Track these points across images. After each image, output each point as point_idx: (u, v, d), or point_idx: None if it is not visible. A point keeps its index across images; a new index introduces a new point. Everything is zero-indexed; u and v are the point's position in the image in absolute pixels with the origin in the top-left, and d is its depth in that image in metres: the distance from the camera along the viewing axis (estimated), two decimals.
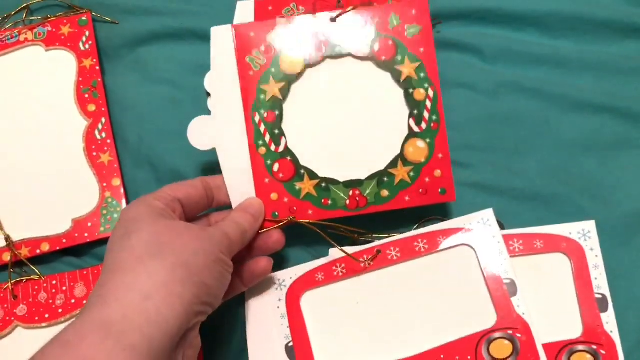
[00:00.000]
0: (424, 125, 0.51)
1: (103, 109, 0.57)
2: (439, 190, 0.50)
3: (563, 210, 0.53)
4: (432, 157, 0.51)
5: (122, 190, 0.55)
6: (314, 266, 0.51)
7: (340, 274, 0.50)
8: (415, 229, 0.52)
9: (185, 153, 0.55)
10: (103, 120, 0.56)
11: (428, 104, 0.51)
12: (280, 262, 0.53)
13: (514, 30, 0.59)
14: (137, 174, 0.56)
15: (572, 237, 0.49)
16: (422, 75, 0.51)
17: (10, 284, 0.51)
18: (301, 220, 0.50)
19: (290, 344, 0.49)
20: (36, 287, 0.51)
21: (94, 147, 0.56)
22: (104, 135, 0.56)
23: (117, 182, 0.55)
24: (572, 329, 0.48)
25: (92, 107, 0.57)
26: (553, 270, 0.49)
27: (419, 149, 0.51)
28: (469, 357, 0.47)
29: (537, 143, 0.56)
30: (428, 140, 0.51)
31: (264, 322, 0.50)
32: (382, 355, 0.48)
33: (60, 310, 0.50)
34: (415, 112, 0.51)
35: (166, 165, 0.56)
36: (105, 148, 0.56)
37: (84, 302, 0.50)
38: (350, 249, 0.50)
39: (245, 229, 0.46)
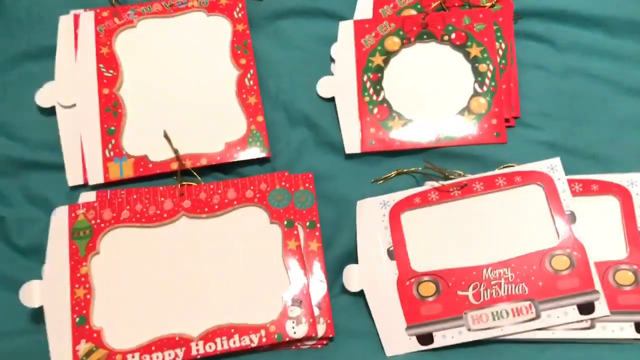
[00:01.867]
0: (485, 88, 0.69)
1: (251, 63, 0.72)
2: (494, 134, 0.65)
3: (614, 169, 0.66)
4: (490, 110, 0.68)
5: (264, 125, 0.69)
6: (413, 192, 0.65)
7: (434, 199, 0.64)
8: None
9: (312, 101, 0.71)
10: (251, 71, 0.72)
11: (489, 74, 0.70)
12: (388, 191, 0.66)
13: (581, 28, 0.74)
14: (274, 115, 0.72)
15: (622, 184, 0.62)
16: (485, 55, 0.70)
17: (178, 185, 0.66)
18: (407, 170, 0.65)
19: (391, 248, 0.63)
20: (197, 189, 0.66)
21: (243, 90, 0.71)
22: (251, 82, 0.71)
23: (260, 118, 0.70)
24: (618, 252, 0.60)
25: (243, 61, 0.72)
26: (605, 207, 0.62)
27: (480, 104, 0.68)
28: (534, 267, 0.60)
29: (596, 116, 0.69)
30: (488, 99, 0.68)
31: (371, 231, 0.64)
32: (466, 260, 0.62)
33: (216, 207, 0.65)
34: (479, 79, 0.70)
35: (297, 109, 0.72)
36: (252, 92, 0.71)
37: (235, 202, 0.65)
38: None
39: None
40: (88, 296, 0.60)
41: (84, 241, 0.62)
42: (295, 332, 0.59)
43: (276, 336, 0.59)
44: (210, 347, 0.58)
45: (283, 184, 0.65)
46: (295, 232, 0.63)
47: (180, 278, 0.62)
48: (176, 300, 0.61)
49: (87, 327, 0.59)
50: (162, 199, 0.64)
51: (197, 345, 0.58)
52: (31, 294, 0.60)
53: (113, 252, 0.63)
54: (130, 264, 0.63)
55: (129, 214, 0.64)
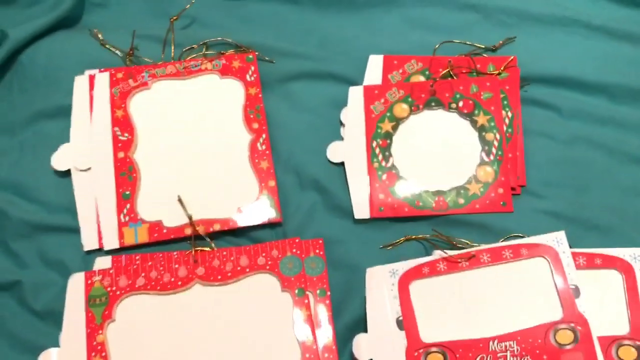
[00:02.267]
0: (491, 157, 0.71)
1: (264, 127, 0.74)
2: (501, 203, 0.67)
3: (618, 239, 0.68)
4: (497, 179, 0.70)
5: (275, 190, 0.71)
6: (422, 262, 0.67)
7: (442, 269, 0.66)
8: (502, 241, 0.68)
9: (322, 165, 0.73)
10: (263, 135, 0.74)
11: (495, 143, 0.72)
12: (396, 257, 0.68)
13: (586, 94, 0.76)
14: (285, 179, 0.73)
15: (625, 258, 0.64)
16: (492, 124, 0.72)
17: (192, 251, 0.68)
18: (415, 237, 0.67)
19: (400, 318, 0.65)
20: (210, 255, 0.68)
21: (256, 155, 0.73)
22: (264, 147, 0.73)
23: (272, 183, 0.72)
24: (621, 327, 0.62)
25: (255, 125, 0.74)
26: (608, 282, 0.64)
27: (487, 173, 0.70)
28: (539, 340, 0.62)
29: (601, 185, 0.71)
30: (494, 167, 0.70)
31: (380, 300, 0.66)
32: (473, 331, 0.63)
33: (229, 274, 0.67)
34: (486, 148, 0.72)
35: (307, 174, 0.73)
36: (264, 157, 0.73)
37: (247, 269, 0.66)
38: (451, 252, 0.66)
39: None
40: None
41: (100, 309, 0.64)
42: None
43: None
44: None
45: (294, 250, 0.67)
46: (306, 300, 0.65)
47: (194, 346, 0.63)
48: None
49: None
50: (177, 266, 0.66)
51: None
52: None
53: (128, 320, 0.64)
54: (145, 331, 0.64)
55: (144, 281, 0.65)
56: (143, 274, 0.66)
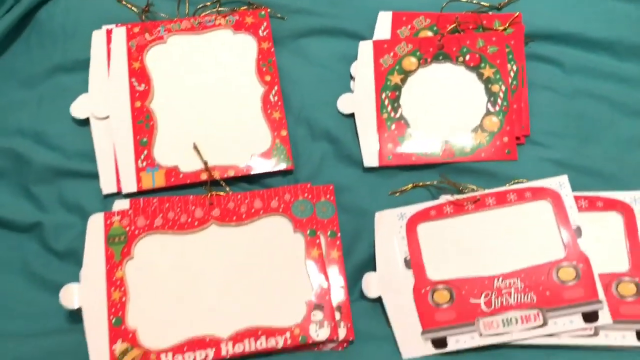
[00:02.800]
0: (497, 108, 0.73)
1: (276, 80, 0.76)
2: (506, 151, 0.70)
3: (617, 186, 0.70)
4: (502, 128, 0.72)
5: (287, 139, 0.73)
6: (429, 205, 0.69)
7: (449, 212, 0.69)
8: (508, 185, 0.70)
9: (333, 117, 0.75)
10: (275, 87, 0.76)
11: (501, 94, 0.74)
12: (404, 203, 0.71)
13: (589, 51, 0.78)
14: (296, 129, 0.76)
15: (625, 201, 0.67)
16: (497, 76, 0.74)
17: (208, 194, 0.70)
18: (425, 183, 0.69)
19: (408, 257, 0.67)
20: (226, 199, 0.70)
21: (268, 106, 0.75)
22: (276, 98, 0.76)
23: (284, 132, 0.74)
24: (621, 265, 0.65)
25: (267, 78, 0.76)
26: (609, 223, 0.66)
27: (493, 122, 0.73)
28: (542, 277, 0.64)
29: (602, 136, 0.74)
30: (500, 117, 0.72)
31: (389, 241, 0.68)
32: (478, 270, 0.66)
33: (243, 216, 0.69)
34: (492, 99, 0.74)
35: (318, 125, 0.76)
36: (277, 108, 0.75)
37: (261, 212, 0.69)
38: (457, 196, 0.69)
39: None
40: (123, 299, 0.64)
41: (119, 247, 0.66)
42: (317, 335, 0.63)
43: (300, 338, 0.63)
44: (238, 347, 0.62)
45: (306, 195, 0.69)
46: (318, 240, 0.67)
47: (210, 282, 0.66)
48: (206, 303, 0.65)
49: (123, 327, 0.63)
50: (193, 207, 0.68)
51: (226, 345, 0.62)
52: (70, 296, 0.64)
53: (146, 258, 0.67)
54: (162, 268, 0.66)
55: (161, 221, 0.68)
56: (161, 215, 0.68)
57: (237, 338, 0.63)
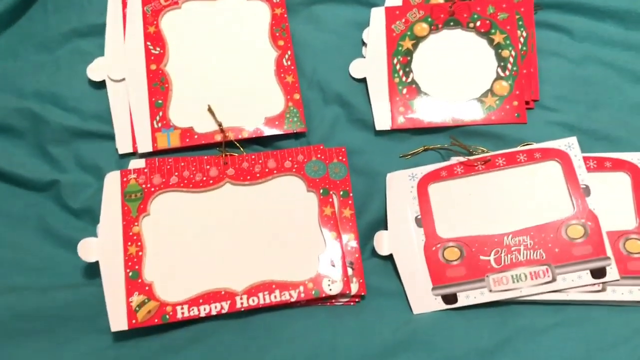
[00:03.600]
0: (507, 73, 0.75)
1: (289, 45, 0.77)
2: (515, 115, 0.71)
3: (625, 148, 0.71)
4: (512, 93, 0.73)
5: (300, 102, 0.75)
6: (440, 166, 0.70)
7: (459, 172, 0.70)
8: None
9: (345, 81, 0.76)
10: (289, 52, 0.77)
11: (511, 59, 0.75)
12: (415, 166, 0.72)
13: (598, 20, 0.79)
14: (309, 94, 0.77)
15: (633, 162, 0.68)
16: (507, 42, 0.75)
17: (223, 154, 0.71)
18: (436, 146, 0.70)
19: (419, 216, 0.69)
20: (240, 159, 0.71)
21: (281, 70, 0.76)
22: (289, 62, 0.77)
23: (297, 96, 0.75)
24: (629, 223, 0.66)
25: (281, 42, 0.78)
26: (617, 183, 0.67)
27: (503, 87, 0.74)
28: (552, 235, 0.66)
29: (610, 101, 0.75)
30: (509, 82, 0.73)
31: (400, 201, 0.70)
32: (488, 228, 0.67)
33: (257, 175, 0.70)
34: (502, 64, 0.75)
35: (331, 89, 0.77)
36: (290, 72, 0.76)
37: (274, 171, 0.70)
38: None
39: None
40: (140, 253, 0.65)
41: (135, 203, 0.67)
42: (330, 289, 0.64)
43: (313, 292, 0.64)
44: (253, 300, 0.64)
45: (319, 156, 0.70)
46: (330, 199, 0.68)
47: (225, 238, 0.67)
48: (222, 258, 0.66)
49: (139, 280, 0.64)
50: (208, 166, 0.70)
51: (241, 299, 0.64)
52: (88, 250, 0.65)
53: (162, 214, 0.68)
54: (178, 225, 0.68)
55: (177, 179, 0.69)
56: (176, 173, 0.69)
57: (251, 291, 0.64)
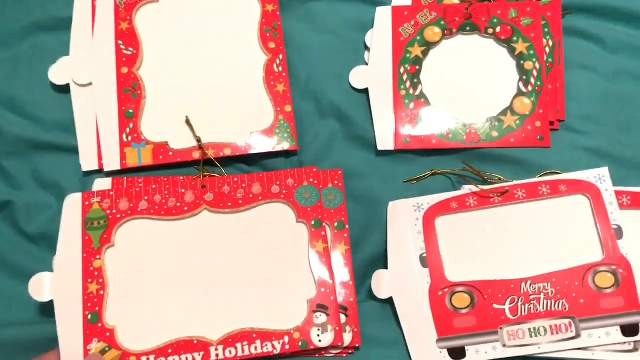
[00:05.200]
0: (530, 88, 0.65)
1: (281, 48, 0.68)
2: (538, 137, 0.62)
3: None
4: (535, 112, 0.64)
5: (292, 116, 0.65)
6: (450, 196, 0.61)
7: (472, 205, 0.61)
8: (539, 177, 0.62)
9: (344, 92, 0.67)
10: (280, 56, 0.67)
11: (535, 73, 0.65)
12: (421, 193, 0.63)
13: (632, 27, 0.69)
14: (302, 105, 0.67)
15: None
16: (531, 52, 0.65)
17: (201, 174, 0.62)
18: (446, 171, 0.61)
19: (424, 254, 0.60)
20: (220, 182, 0.62)
21: (272, 77, 0.67)
22: (280, 69, 0.67)
23: (288, 108, 0.66)
24: None
25: (272, 45, 0.68)
26: None
27: (525, 104, 0.64)
28: (577, 283, 0.57)
29: None
30: (532, 99, 0.64)
31: (403, 235, 0.61)
32: (503, 272, 0.58)
33: (240, 202, 0.61)
34: (524, 77, 0.65)
35: (327, 100, 0.67)
36: (281, 79, 0.67)
37: (260, 197, 0.61)
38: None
39: None
40: (101, 292, 0.57)
41: (98, 232, 0.59)
42: (320, 341, 0.56)
43: (300, 344, 0.56)
44: (230, 352, 0.56)
45: (311, 180, 0.61)
46: (323, 232, 0.60)
47: (200, 276, 0.59)
48: (195, 300, 0.58)
49: (99, 325, 0.56)
50: (183, 190, 0.61)
51: (216, 350, 0.56)
52: (41, 287, 0.57)
53: (129, 245, 0.59)
54: (147, 258, 0.59)
55: (147, 205, 0.60)
56: (146, 198, 0.60)
57: (228, 341, 0.56)
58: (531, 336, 0.56)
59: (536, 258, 0.58)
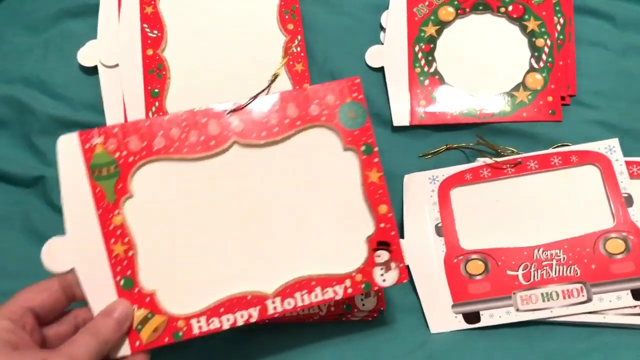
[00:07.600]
0: (541, 64, 0.67)
1: (299, 29, 0.70)
2: (550, 112, 0.64)
3: None
4: (546, 87, 0.66)
5: None
6: (464, 168, 0.63)
7: (486, 176, 0.63)
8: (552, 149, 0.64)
9: (360, 70, 0.69)
10: (299, 37, 0.70)
11: (546, 49, 0.67)
12: (436, 166, 0.65)
13: None
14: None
15: None
16: (542, 29, 0.67)
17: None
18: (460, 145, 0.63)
19: (439, 224, 0.62)
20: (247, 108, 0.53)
21: (290, 57, 0.69)
22: (298, 49, 0.69)
23: (307, 86, 0.68)
24: None
25: (290, 26, 0.70)
26: None
27: (536, 80, 0.66)
28: (588, 249, 0.59)
29: None
30: (544, 75, 0.66)
31: (419, 206, 0.63)
32: (516, 240, 0.60)
33: (275, 129, 0.52)
34: (536, 54, 0.67)
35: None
36: (299, 59, 0.69)
37: (297, 122, 0.52)
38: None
39: (105, 338, 0.44)
40: (130, 252, 0.48)
41: (110, 182, 0.49)
42: (384, 280, 0.51)
43: (363, 286, 0.51)
44: (289, 303, 0.50)
45: (355, 95, 0.54)
46: (376, 159, 0.52)
47: (241, 224, 0.51)
48: (241, 251, 0.51)
49: (135, 290, 0.48)
50: (205, 119, 0.51)
51: (273, 302, 0.50)
52: (55, 255, 0.47)
53: (151, 194, 0.50)
54: (175, 207, 0.50)
55: (163, 142, 0.50)
56: (161, 132, 0.50)
57: (286, 292, 0.50)
58: (544, 300, 0.58)
59: (548, 226, 0.60)
